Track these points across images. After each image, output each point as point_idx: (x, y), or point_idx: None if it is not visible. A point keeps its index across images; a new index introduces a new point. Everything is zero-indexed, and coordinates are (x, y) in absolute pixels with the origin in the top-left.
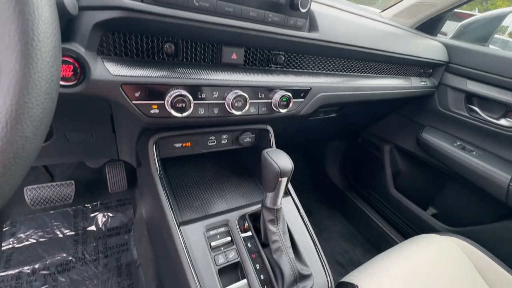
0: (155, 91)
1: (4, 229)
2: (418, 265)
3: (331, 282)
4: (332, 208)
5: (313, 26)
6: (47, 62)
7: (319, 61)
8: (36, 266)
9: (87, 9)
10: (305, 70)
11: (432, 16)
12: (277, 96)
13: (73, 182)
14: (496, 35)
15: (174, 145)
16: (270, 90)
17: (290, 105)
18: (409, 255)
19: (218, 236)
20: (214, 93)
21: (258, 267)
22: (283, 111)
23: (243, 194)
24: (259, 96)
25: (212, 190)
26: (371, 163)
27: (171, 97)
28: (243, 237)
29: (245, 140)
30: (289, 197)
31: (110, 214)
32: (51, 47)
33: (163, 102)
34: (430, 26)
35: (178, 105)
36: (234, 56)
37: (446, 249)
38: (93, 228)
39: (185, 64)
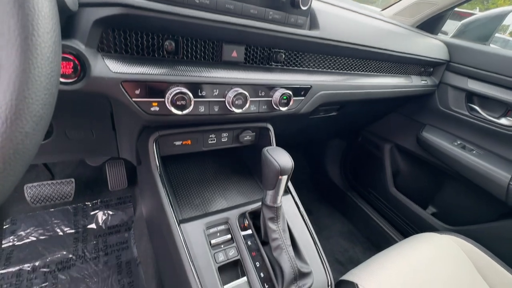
0: (155, 89)
1: (4, 227)
2: (417, 264)
3: (331, 280)
4: (332, 206)
5: (313, 24)
6: (47, 57)
7: (319, 59)
8: (36, 263)
9: (87, 5)
10: (306, 68)
11: (433, 14)
12: (277, 94)
13: (73, 180)
14: (497, 34)
15: (174, 143)
16: (270, 88)
17: (291, 103)
18: (409, 253)
19: (218, 234)
20: (215, 90)
21: (258, 265)
22: (283, 109)
23: (243, 192)
24: (260, 94)
25: (212, 188)
26: (371, 162)
27: (171, 95)
28: (243, 235)
29: (245, 138)
30: (289, 195)
31: (110, 212)
32: (51, 42)
33: (163, 99)
34: (431, 25)
35: (178, 103)
36: (234, 54)
37: (445, 248)
38: (93, 226)
39: (185, 62)
